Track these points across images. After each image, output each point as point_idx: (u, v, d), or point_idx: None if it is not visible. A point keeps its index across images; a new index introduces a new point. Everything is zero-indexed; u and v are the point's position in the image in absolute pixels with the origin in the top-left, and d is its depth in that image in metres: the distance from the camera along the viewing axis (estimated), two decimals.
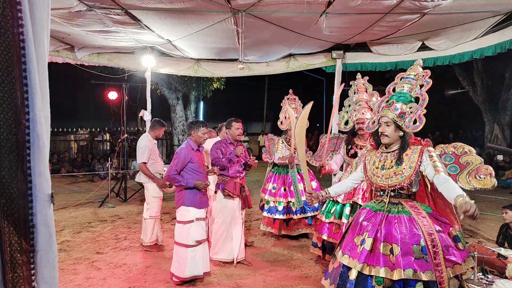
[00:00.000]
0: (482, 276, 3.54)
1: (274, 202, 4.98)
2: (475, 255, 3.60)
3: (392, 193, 2.52)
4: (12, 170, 0.92)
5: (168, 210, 6.81)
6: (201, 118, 14.47)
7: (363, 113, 3.75)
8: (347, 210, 3.81)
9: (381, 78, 13.70)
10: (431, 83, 2.55)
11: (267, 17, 5.02)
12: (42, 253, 0.99)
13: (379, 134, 2.57)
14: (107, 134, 15.94)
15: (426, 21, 5.01)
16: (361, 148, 3.72)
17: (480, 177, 2.41)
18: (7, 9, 0.88)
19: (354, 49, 6.75)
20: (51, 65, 4.31)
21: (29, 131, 0.93)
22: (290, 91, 5.28)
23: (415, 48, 6.25)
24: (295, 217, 4.91)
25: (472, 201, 2.09)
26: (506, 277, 3.61)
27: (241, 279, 3.82)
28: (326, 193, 2.85)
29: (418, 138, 2.67)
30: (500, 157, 11.93)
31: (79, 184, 10.26)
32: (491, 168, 2.40)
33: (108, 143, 15.33)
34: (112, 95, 11.13)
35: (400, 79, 2.68)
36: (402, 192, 2.51)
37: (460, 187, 2.34)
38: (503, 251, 3.93)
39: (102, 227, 5.76)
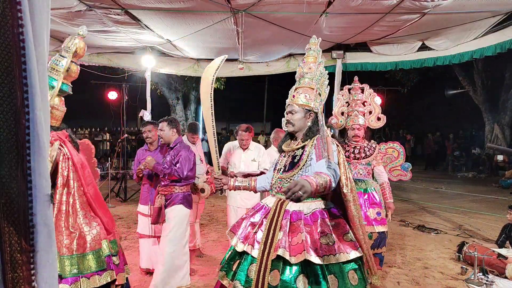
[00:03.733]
0: (482, 276, 3.54)
1: None
2: (476, 255, 3.61)
3: None
4: (11, 170, 0.92)
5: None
6: (200, 118, 14.48)
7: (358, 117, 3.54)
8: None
9: (381, 78, 13.75)
10: None
11: (267, 17, 5.02)
12: (42, 253, 0.99)
13: None
14: (107, 134, 15.96)
15: (426, 21, 5.01)
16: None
17: None
18: (7, 9, 0.88)
19: (354, 49, 6.75)
20: None
21: (29, 131, 0.93)
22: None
23: (415, 48, 6.25)
24: None
25: None
26: (506, 277, 3.61)
27: None
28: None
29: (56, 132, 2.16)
30: (500, 157, 11.95)
31: None
32: None
33: (108, 143, 15.34)
34: (112, 95, 11.14)
35: None
36: None
37: None
38: (504, 251, 3.93)
39: None
